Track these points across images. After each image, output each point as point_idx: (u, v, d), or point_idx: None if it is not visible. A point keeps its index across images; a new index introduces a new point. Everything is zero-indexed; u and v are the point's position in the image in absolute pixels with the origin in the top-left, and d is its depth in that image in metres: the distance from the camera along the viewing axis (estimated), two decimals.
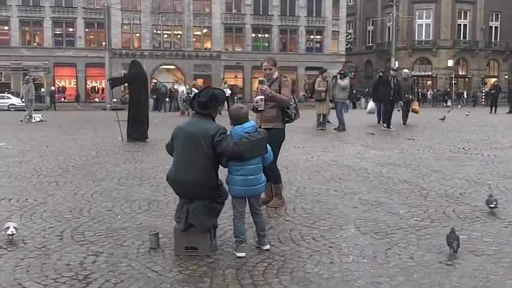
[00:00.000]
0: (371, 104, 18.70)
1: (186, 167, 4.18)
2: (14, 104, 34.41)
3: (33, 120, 19.49)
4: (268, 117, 5.77)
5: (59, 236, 4.81)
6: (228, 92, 35.66)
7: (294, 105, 5.95)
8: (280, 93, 5.73)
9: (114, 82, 12.99)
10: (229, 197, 4.44)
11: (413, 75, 19.63)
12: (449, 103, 43.72)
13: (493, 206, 5.73)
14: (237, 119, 4.34)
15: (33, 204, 5.99)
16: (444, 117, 19.89)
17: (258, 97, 5.70)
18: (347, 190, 6.84)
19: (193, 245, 4.26)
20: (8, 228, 4.56)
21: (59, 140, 12.99)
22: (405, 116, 17.18)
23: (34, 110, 20.47)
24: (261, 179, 4.35)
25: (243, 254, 4.24)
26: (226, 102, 26.34)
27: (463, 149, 11.01)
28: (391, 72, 16.76)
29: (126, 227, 5.09)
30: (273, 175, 5.70)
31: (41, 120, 19.78)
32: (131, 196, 6.43)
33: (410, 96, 16.85)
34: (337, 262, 4.15)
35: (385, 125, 15.68)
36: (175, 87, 21.60)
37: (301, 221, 5.36)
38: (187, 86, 26.28)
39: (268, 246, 4.43)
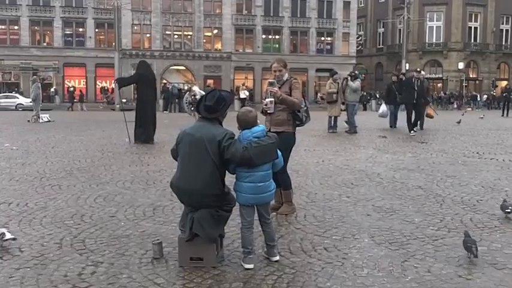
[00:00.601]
0: (383, 107, 17.89)
1: (191, 174, 3.94)
2: (22, 104, 34.50)
3: (40, 121, 19.39)
4: (278, 121, 5.55)
5: (58, 243, 4.59)
6: (246, 93, 35.51)
7: (305, 108, 5.72)
8: (290, 95, 5.51)
9: (121, 82, 12.82)
10: (237, 204, 4.21)
11: (424, 78, 18.62)
12: (455, 105, 43.21)
13: (509, 210, 5.55)
14: (245, 124, 4.09)
15: (34, 209, 5.78)
16: (460, 120, 19.51)
17: (267, 99, 5.47)
18: (360, 196, 6.58)
19: (199, 256, 4.02)
20: (4, 234, 4.36)
21: (65, 141, 12.83)
22: (421, 121, 16.16)
23: (43, 110, 20.35)
24: (271, 186, 4.11)
25: (251, 266, 4.00)
26: (242, 105, 26.08)
27: (477, 153, 10.73)
28: (414, 74, 15.57)
29: (129, 235, 4.87)
30: (283, 181, 5.47)
31: (49, 121, 19.68)
32: (135, 201, 6.21)
33: (428, 98, 16.46)
34: (351, 275, 3.90)
35: (415, 128, 14.87)
36: (193, 88, 21.12)
37: (313, 229, 5.11)
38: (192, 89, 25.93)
39: (277, 258, 4.19)
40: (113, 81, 12.66)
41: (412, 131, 14.62)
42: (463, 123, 19.15)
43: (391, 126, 16.83)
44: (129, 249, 4.45)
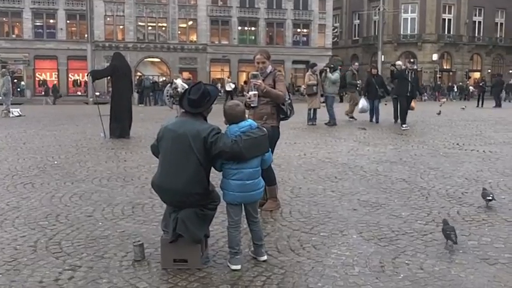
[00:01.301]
0: (363, 102, 16.25)
1: (174, 173, 3.72)
2: None
3: (11, 115, 18.77)
4: (262, 114, 5.36)
5: (32, 246, 4.33)
6: (232, 86, 35.07)
7: (289, 101, 5.55)
8: (274, 88, 5.32)
9: (95, 75, 12.41)
10: (223, 202, 4.00)
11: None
12: (425, 96, 43.57)
13: (490, 198, 5.62)
14: (233, 118, 3.88)
15: (5, 210, 5.48)
16: (440, 111, 19.50)
17: (251, 92, 5.27)
18: (344, 190, 6.46)
19: (183, 257, 3.82)
20: None
21: (37, 136, 12.40)
22: (397, 113, 15.09)
23: (14, 104, 19.72)
24: (260, 184, 3.91)
25: (238, 267, 3.82)
26: (230, 97, 25.39)
27: (458, 144, 10.74)
28: (408, 64, 14.47)
29: (108, 236, 4.63)
30: (267, 176, 5.26)
31: (20, 115, 19.08)
32: (113, 199, 5.95)
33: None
34: (342, 275, 3.76)
35: (404, 125, 13.77)
36: (175, 81, 20.26)
37: (299, 226, 4.96)
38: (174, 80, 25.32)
39: (265, 257, 4.02)
40: (86, 74, 12.18)
41: (403, 124, 13.84)
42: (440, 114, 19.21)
43: (371, 121, 15.90)
44: (108, 251, 4.22)
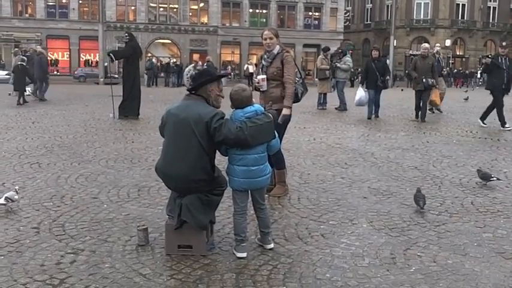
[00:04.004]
0: (360, 93, 13.00)
1: (177, 159, 3.59)
2: None
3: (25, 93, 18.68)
4: (272, 98, 5.21)
5: (35, 228, 4.25)
6: (252, 69, 34.59)
7: (301, 81, 5.39)
8: (282, 70, 5.17)
9: (116, 55, 12.24)
10: (229, 188, 3.88)
11: (412, 54, 13.19)
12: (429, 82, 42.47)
13: (494, 178, 5.92)
14: (239, 103, 3.72)
15: (11, 189, 5.36)
16: (467, 97, 19.10)
17: (259, 77, 5.15)
18: (354, 177, 6.32)
19: (188, 243, 3.72)
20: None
21: (46, 115, 12.33)
22: (423, 109, 12.27)
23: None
24: (266, 170, 3.77)
25: (243, 255, 3.71)
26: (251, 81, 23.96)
27: (471, 132, 10.53)
28: (500, 49, 11.51)
29: (112, 218, 4.54)
30: (276, 160, 5.16)
31: (30, 94, 19.00)
32: (119, 181, 5.87)
33: (430, 81, 11.94)
34: (352, 266, 3.64)
35: (507, 125, 11.12)
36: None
37: (308, 213, 4.84)
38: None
39: (272, 245, 3.90)
40: (108, 53, 11.99)
41: (506, 125, 11.11)
42: (451, 100, 18.84)
43: (369, 118, 12.59)
44: (112, 235, 4.13)
